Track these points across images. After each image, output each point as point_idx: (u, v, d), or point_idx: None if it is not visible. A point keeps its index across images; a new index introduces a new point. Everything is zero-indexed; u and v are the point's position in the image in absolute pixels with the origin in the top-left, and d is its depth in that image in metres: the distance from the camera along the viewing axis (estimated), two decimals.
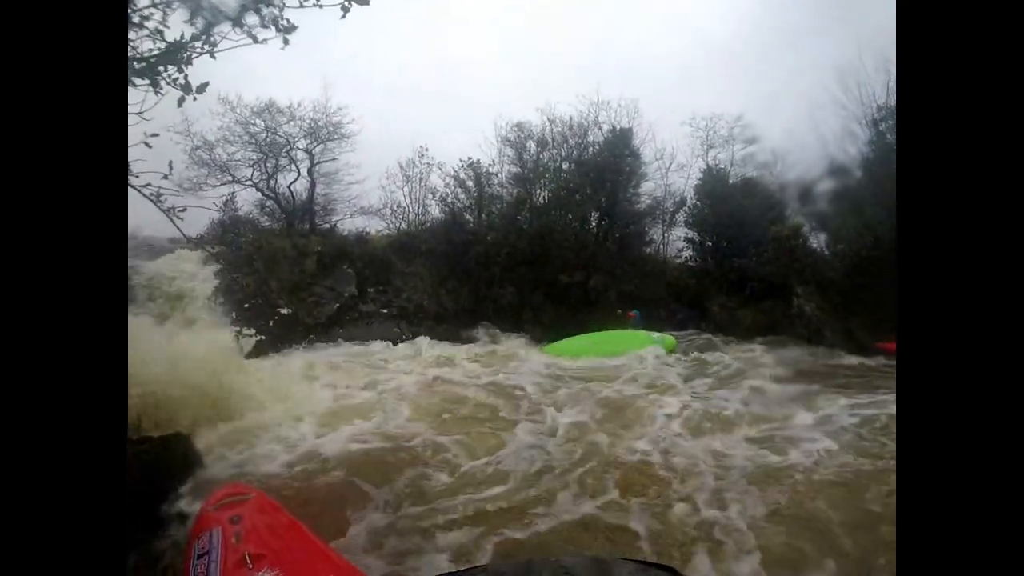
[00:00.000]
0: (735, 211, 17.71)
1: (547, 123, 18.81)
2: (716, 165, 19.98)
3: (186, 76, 3.36)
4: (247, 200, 18.39)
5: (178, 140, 15.79)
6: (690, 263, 19.27)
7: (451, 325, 14.97)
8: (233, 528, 2.89)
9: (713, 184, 19.09)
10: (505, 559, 3.49)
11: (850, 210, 14.73)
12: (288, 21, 3.44)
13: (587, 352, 11.96)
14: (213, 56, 3.39)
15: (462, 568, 1.90)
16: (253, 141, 17.03)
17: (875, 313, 13.29)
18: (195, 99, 3.46)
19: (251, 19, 3.36)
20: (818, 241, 16.52)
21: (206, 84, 3.43)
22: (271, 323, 12.67)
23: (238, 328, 11.38)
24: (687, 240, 19.71)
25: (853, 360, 11.89)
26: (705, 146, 20.31)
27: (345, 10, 3.41)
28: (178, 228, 3.91)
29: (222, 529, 2.88)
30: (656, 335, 12.69)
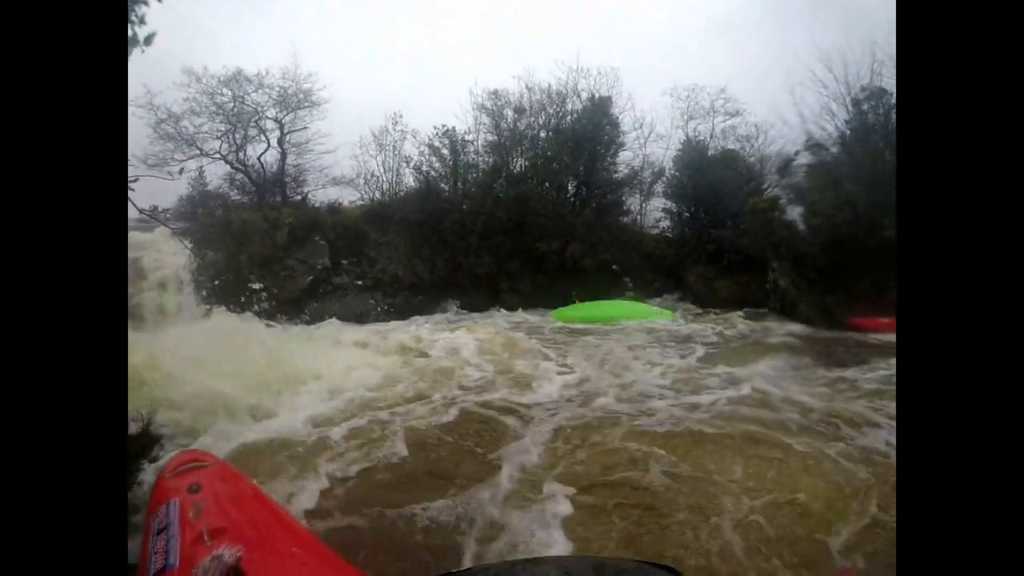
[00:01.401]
0: (714, 183, 17.76)
1: (525, 90, 18.61)
2: (696, 136, 19.95)
3: (133, 25, 3.09)
4: (216, 174, 17.94)
5: (141, 114, 15.19)
6: (667, 233, 19.40)
7: (427, 295, 14.85)
8: (192, 498, 2.78)
9: (692, 155, 19.09)
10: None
11: (827, 184, 14.81)
12: None
13: (596, 318, 12.69)
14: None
15: (462, 568, 1.86)
16: (221, 112, 16.36)
17: (850, 289, 13.44)
18: (143, 51, 3.19)
19: None
20: (795, 215, 16.60)
21: (153, 34, 3.16)
22: (243, 298, 12.45)
23: (209, 305, 11.27)
24: (665, 210, 19.89)
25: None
26: (686, 117, 20.17)
27: None
28: (133, 203, 3.66)
29: (180, 500, 2.77)
30: (655, 308, 13.26)
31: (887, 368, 7.93)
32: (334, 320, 12.97)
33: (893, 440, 4.42)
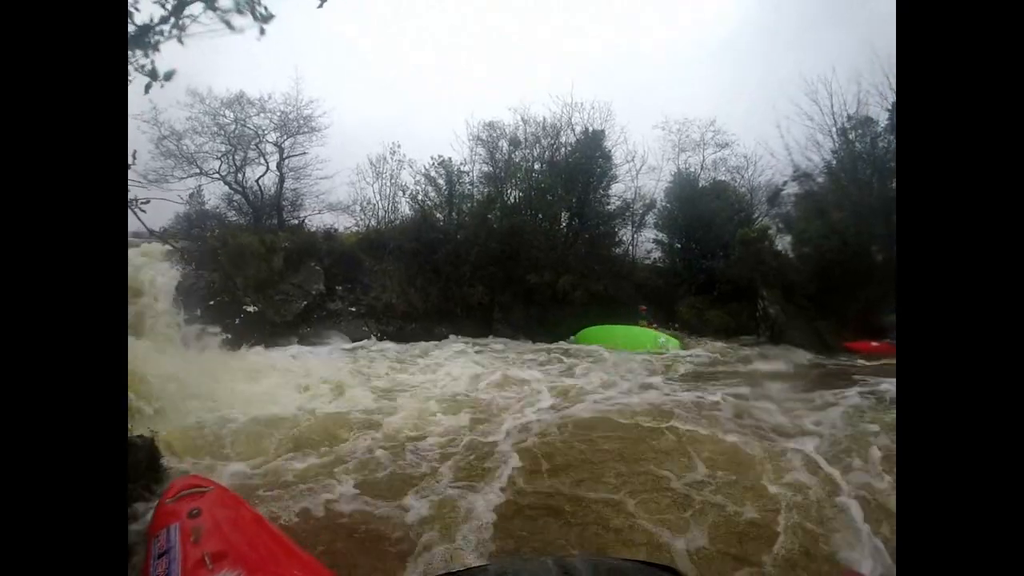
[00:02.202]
0: (704, 213, 18.00)
1: (520, 122, 18.93)
2: (686, 168, 20.26)
3: (153, 62, 3.20)
4: (214, 193, 18.05)
5: (144, 129, 15.42)
6: (659, 264, 19.56)
7: (420, 324, 14.88)
8: (192, 523, 2.79)
9: (683, 187, 19.37)
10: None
11: (815, 213, 15.05)
12: (266, 9, 3.34)
13: (612, 343, 13.14)
14: (181, 41, 3.27)
15: (462, 568, 1.89)
16: (222, 133, 16.59)
17: (839, 314, 13.59)
18: (162, 86, 3.31)
19: (224, 3, 3.26)
20: (783, 244, 16.82)
21: (173, 71, 3.27)
22: (237, 321, 12.44)
23: (202, 326, 11.22)
24: (656, 241, 20.06)
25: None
26: (676, 149, 20.53)
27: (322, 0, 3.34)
28: (140, 221, 3.78)
29: (180, 525, 2.78)
30: (663, 337, 13.34)
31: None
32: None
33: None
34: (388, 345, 13.20)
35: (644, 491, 4.44)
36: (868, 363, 10.94)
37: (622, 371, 9.91)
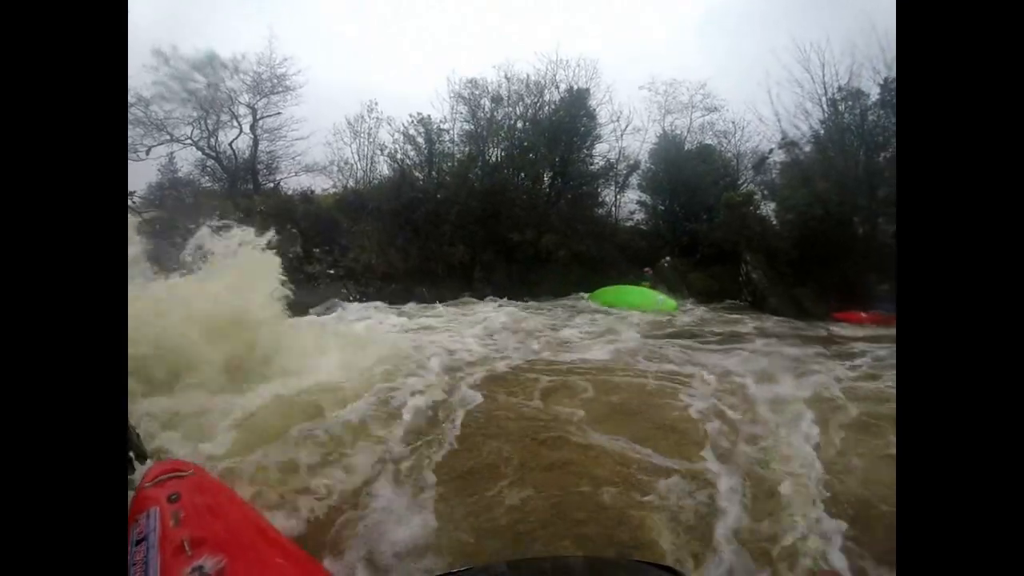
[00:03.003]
0: (689, 177, 18.02)
1: (504, 80, 18.50)
2: (672, 130, 20.12)
3: None
4: (186, 160, 17.47)
5: None
6: (641, 226, 19.60)
7: (400, 284, 14.72)
8: (171, 507, 2.63)
9: (668, 149, 19.31)
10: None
11: (800, 181, 15.06)
12: None
13: (621, 302, 13.59)
14: None
15: (462, 568, 1.84)
16: (192, 98, 15.90)
17: (819, 282, 13.71)
18: None
19: None
20: (768, 210, 16.86)
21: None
22: None
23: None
24: (639, 203, 20.11)
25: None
26: (663, 111, 20.33)
27: None
28: None
29: (160, 509, 2.63)
30: (660, 297, 13.63)
31: None
32: None
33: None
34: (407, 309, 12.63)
35: None
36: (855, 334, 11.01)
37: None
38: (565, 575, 1.48)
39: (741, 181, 18.65)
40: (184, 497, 2.78)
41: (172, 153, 17.02)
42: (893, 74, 14.24)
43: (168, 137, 16.12)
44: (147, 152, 15.72)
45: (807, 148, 16.40)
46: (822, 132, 15.84)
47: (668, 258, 16.05)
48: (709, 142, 19.84)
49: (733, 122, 19.53)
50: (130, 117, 15.07)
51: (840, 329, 11.31)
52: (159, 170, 16.85)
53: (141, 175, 15.83)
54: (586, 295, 15.10)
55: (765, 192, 17.32)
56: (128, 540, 2.56)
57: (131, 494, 3.18)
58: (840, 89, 15.66)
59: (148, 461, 3.92)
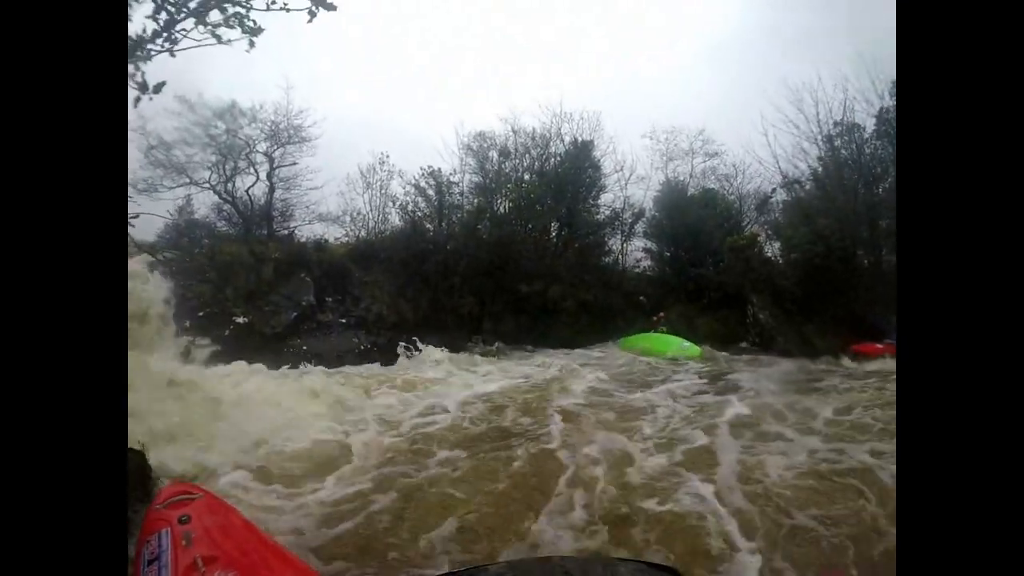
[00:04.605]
0: (693, 222, 18.11)
1: (510, 133, 19.02)
2: (675, 177, 20.46)
3: (143, 74, 3.24)
4: (203, 203, 17.81)
5: (132, 138, 15.10)
6: (648, 273, 19.64)
7: (410, 335, 14.80)
8: (182, 529, 2.76)
9: (672, 196, 19.50)
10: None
11: (801, 220, 15.18)
12: (254, 22, 3.36)
13: (648, 348, 13.93)
14: (173, 55, 3.30)
15: (462, 568, 1.89)
16: (213, 143, 16.36)
17: (825, 318, 13.71)
18: (151, 99, 3.34)
19: (215, 16, 3.28)
20: (772, 250, 16.96)
21: (163, 83, 3.31)
22: (227, 332, 12.36)
23: (191, 338, 11.17)
24: (645, 250, 20.20)
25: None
26: (665, 159, 20.74)
27: (312, 14, 3.36)
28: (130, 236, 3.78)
29: (171, 530, 2.75)
30: (685, 344, 13.68)
31: None
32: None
33: None
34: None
35: None
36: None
37: None
38: (565, 575, 1.49)
39: (745, 223, 18.81)
40: (194, 518, 2.90)
41: (189, 195, 17.33)
42: (886, 104, 14.54)
43: (187, 180, 16.48)
44: (177, 212, 16.12)
45: (807, 186, 16.63)
46: (820, 170, 16.07)
47: (662, 313, 16.04)
48: (712, 186, 20.13)
49: (734, 165, 19.85)
50: (151, 159, 15.56)
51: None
52: (176, 212, 17.21)
53: (158, 217, 16.22)
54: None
55: (769, 232, 17.46)
56: (139, 561, 2.69)
57: (142, 515, 3.30)
58: (836, 125, 15.98)
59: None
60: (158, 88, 3.30)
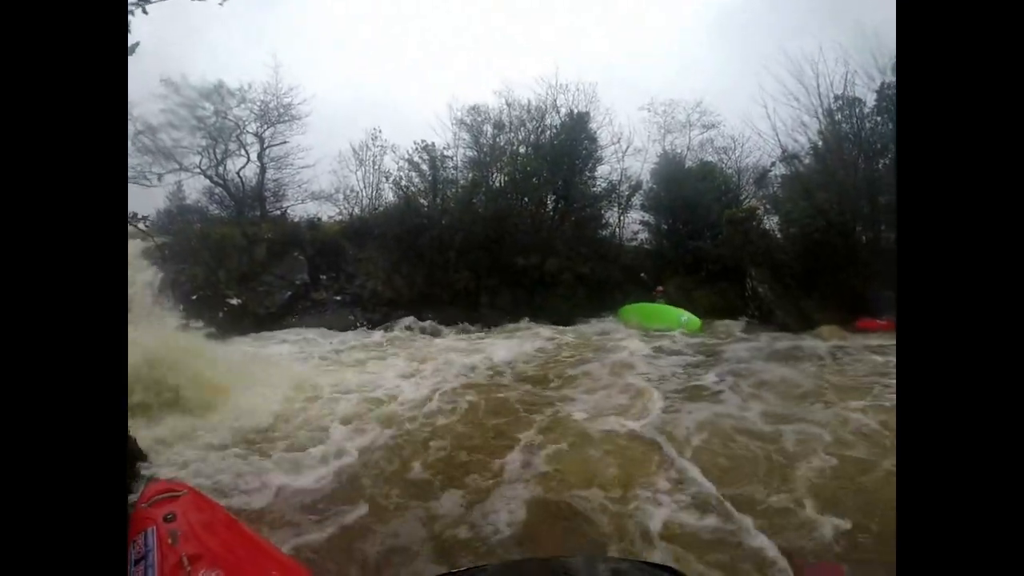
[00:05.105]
0: (691, 195, 18.04)
1: (505, 106, 18.75)
2: (673, 150, 20.32)
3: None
4: (194, 187, 17.78)
5: None
6: (645, 245, 19.61)
7: (406, 311, 14.75)
8: (168, 527, 2.74)
9: (669, 168, 19.39)
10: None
11: (801, 194, 15.11)
12: None
13: (646, 321, 13.99)
14: (145, 11, 3.14)
15: (462, 568, 1.87)
16: (201, 126, 16.25)
17: (824, 293, 13.70)
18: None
19: None
20: (771, 224, 16.89)
21: (136, 44, 3.16)
22: (220, 314, 12.31)
23: (185, 321, 11.11)
24: (643, 223, 20.13)
25: None
26: (663, 131, 20.58)
27: None
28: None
29: (157, 529, 2.73)
30: (685, 316, 13.64)
31: None
32: None
33: None
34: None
35: None
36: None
37: None
38: (565, 575, 1.46)
39: (743, 196, 18.74)
40: (179, 516, 2.88)
41: (180, 181, 17.32)
42: (888, 79, 14.40)
43: (177, 166, 16.38)
44: (159, 178, 15.98)
45: (807, 160, 16.54)
46: (820, 143, 15.98)
47: (661, 287, 15.96)
48: (709, 159, 20.02)
49: (733, 138, 19.77)
50: (139, 145, 15.33)
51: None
52: (167, 197, 17.11)
53: (150, 203, 16.07)
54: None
55: (768, 206, 17.37)
56: (127, 559, 2.64)
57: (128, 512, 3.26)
58: (836, 99, 15.85)
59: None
60: (131, 49, 3.14)
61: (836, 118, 15.81)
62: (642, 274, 17.64)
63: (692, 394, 7.21)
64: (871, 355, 9.46)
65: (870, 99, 15.37)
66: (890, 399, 6.35)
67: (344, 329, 13.00)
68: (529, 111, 18.80)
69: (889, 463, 4.49)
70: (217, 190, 17.36)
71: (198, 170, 16.69)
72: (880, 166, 14.65)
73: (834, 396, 6.80)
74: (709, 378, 8.06)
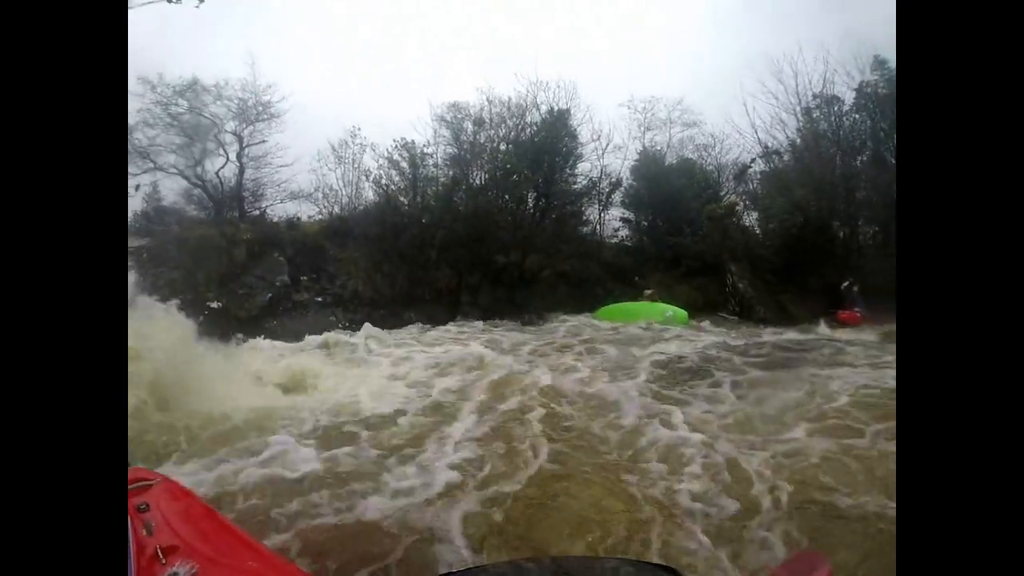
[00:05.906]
0: (671, 191, 18.19)
1: (486, 103, 18.66)
2: (653, 147, 20.41)
3: None
4: (171, 188, 17.36)
5: None
6: (626, 242, 19.69)
7: (387, 310, 14.66)
8: (141, 517, 2.63)
9: (649, 165, 19.48)
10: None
11: (779, 190, 15.29)
12: None
13: (629, 317, 13.65)
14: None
15: (462, 569, 1.86)
16: (176, 123, 15.90)
17: (801, 287, 13.89)
18: None
19: None
20: (750, 219, 17.07)
21: None
22: (201, 318, 12.13)
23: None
24: (623, 220, 20.22)
25: None
26: (643, 128, 20.63)
27: None
28: None
29: (131, 519, 2.68)
30: (669, 311, 13.63)
31: None
32: None
33: None
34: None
35: None
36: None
37: None
38: (565, 575, 1.48)
39: (723, 193, 18.86)
40: (153, 506, 2.75)
41: (156, 182, 16.99)
42: (867, 78, 14.63)
43: (152, 165, 16.05)
44: (136, 189, 15.74)
45: (785, 157, 16.75)
46: (798, 141, 16.21)
47: (652, 291, 15.96)
48: (689, 156, 20.15)
49: (712, 135, 19.87)
50: None
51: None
52: (144, 199, 16.84)
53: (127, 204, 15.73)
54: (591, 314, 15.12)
55: (747, 202, 17.57)
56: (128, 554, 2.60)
57: None
58: (815, 96, 16.11)
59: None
60: None
61: (814, 116, 16.06)
62: (637, 278, 17.58)
63: None
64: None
65: (849, 97, 15.70)
66: None
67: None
68: (509, 108, 18.74)
69: None
70: (195, 191, 17.06)
71: (175, 171, 16.39)
72: (858, 162, 14.91)
73: None
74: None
